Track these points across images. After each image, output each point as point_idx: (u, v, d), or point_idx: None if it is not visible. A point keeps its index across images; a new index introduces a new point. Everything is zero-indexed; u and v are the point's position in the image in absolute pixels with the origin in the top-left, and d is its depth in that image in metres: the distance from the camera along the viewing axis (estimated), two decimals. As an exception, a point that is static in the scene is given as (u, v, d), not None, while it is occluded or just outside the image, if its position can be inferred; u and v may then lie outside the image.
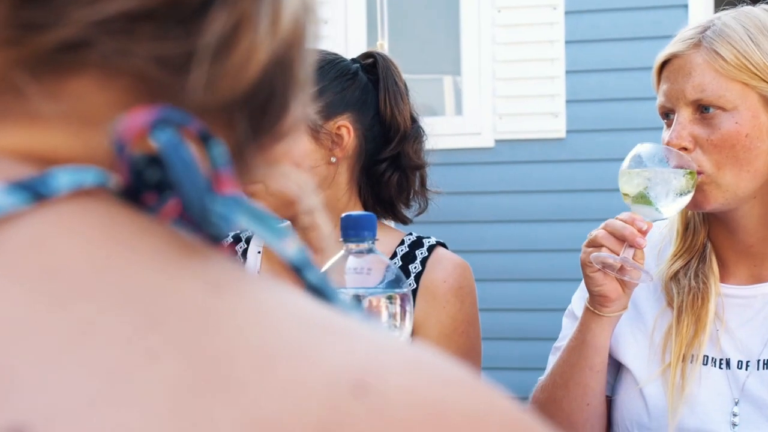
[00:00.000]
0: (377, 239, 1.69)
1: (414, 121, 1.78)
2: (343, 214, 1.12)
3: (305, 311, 0.38)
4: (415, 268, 1.68)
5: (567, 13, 5.02)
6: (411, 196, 1.79)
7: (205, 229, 0.40)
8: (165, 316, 0.35)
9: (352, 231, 1.08)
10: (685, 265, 1.59)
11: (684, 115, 1.50)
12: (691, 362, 1.52)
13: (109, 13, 0.40)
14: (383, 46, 3.75)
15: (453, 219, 5.12)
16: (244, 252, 1.80)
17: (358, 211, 1.16)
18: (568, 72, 5.00)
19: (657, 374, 1.54)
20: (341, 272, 1.08)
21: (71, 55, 0.40)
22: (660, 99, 1.55)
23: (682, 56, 1.51)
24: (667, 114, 1.55)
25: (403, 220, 1.82)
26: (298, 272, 0.42)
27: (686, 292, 1.56)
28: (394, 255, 1.70)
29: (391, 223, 1.87)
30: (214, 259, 0.40)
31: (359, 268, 1.06)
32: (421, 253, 1.70)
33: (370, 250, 1.09)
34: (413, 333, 1.64)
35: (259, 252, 1.79)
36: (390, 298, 1.05)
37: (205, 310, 0.36)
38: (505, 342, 4.82)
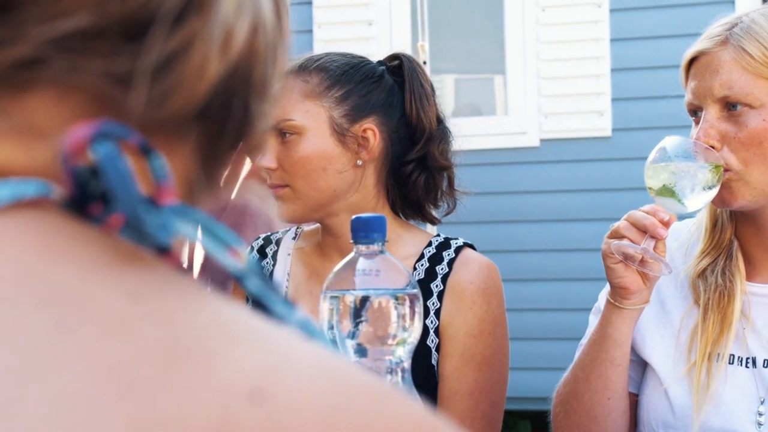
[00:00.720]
0: (402, 240, 1.73)
1: (440, 122, 1.79)
2: (354, 216, 1.13)
3: (221, 320, 0.39)
4: (442, 269, 1.69)
5: (612, 10, 4.99)
6: (439, 197, 1.80)
7: (142, 239, 0.41)
8: (78, 323, 0.37)
9: (362, 233, 1.10)
10: (712, 262, 1.58)
11: (711, 113, 1.49)
12: (716, 361, 1.52)
13: (63, 31, 0.41)
14: (424, 48, 3.76)
15: (498, 219, 5.11)
16: (274, 254, 1.82)
17: (368, 214, 1.17)
18: (613, 70, 4.97)
19: (682, 373, 1.54)
20: (351, 274, 1.09)
21: (26, 72, 0.42)
22: (688, 96, 1.55)
23: (710, 53, 1.50)
24: (695, 111, 1.55)
25: (432, 221, 1.83)
26: (239, 282, 0.43)
27: (712, 290, 1.55)
28: (422, 256, 1.71)
29: (427, 227, 1.88)
30: (146, 268, 0.41)
31: (368, 269, 1.08)
32: (448, 255, 1.71)
33: (380, 252, 1.10)
34: (440, 333, 1.66)
35: (288, 254, 1.81)
36: (398, 299, 1.06)
37: (118, 317, 0.37)
38: (558, 342, 4.79)
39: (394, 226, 1.75)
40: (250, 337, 0.38)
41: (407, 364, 1.08)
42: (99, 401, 0.34)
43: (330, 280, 1.10)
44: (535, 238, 5.02)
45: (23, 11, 0.42)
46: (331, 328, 1.06)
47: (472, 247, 1.76)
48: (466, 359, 1.65)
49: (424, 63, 3.76)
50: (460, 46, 5.62)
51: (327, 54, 1.77)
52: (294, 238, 1.84)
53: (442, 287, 1.67)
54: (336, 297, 1.06)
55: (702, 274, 1.58)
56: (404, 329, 1.05)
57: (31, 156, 0.43)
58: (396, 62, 1.79)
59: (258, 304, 0.45)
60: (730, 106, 1.48)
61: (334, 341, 1.07)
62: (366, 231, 1.09)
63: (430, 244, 1.74)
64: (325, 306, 1.07)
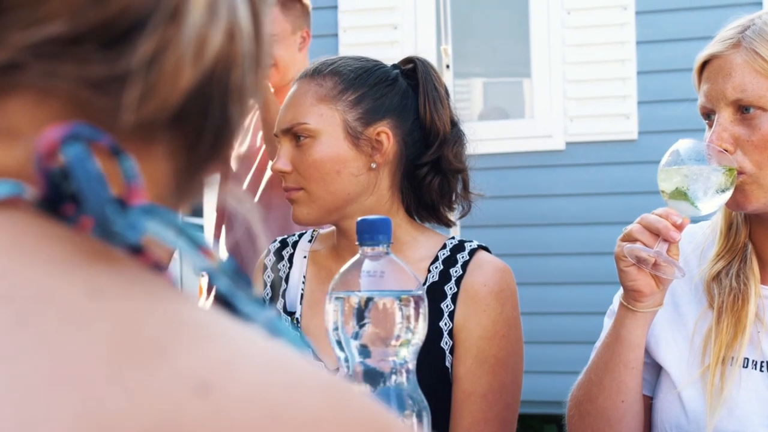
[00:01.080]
0: (418, 243, 1.74)
1: (454, 124, 1.79)
2: (359, 218, 1.14)
3: (178, 317, 0.40)
4: (456, 271, 1.70)
5: (638, 13, 4.97)
6: (454, 200, 1.80)
7: (112, 238, 0.42)
8: (35, 317, 0.38)
9: (367, 235, 1.11)
10: (726, 265, 1.57)
11: (724, 116, 1.49)
12: (730, 364, 1.51)
13: (41, 37, 0.43)
14: (447, 51, 3.77)
15: (524, 222, 5.10)
16: (291, 257, 1.83)
17: (373, 216, 1.17)
18: (639, 73, 4.95)
19: (696, 376, 1.53)
20: (357, 275, 1.10)
21: (5, 77, 0.43)
22: (701, 100, 1.54)
23: (722, 56, 1.50)
24: (708, 115, 1.54)
25: (447, 223, 1.84)
26: (210, 281, 0.44)
27: (727, 293, 1.54)
28: (436, 259, 1.72)
29: (450, 231, 1.88)
30: (112, 266, 0.42)
31: (372, 271, 1.08)
32: (463, 257, 1.71)
33: (386, 254, 1.11)
34: (454, 336, 1.66)
35: (304, 257, 1.82)
36: (402, 300, 1.07)
37: (75, 313, 0.38)
38: (590, 346, 4.76)
39: (408, 229, 1.76)
40: (205, 333, 0.39)
41: (412, 365, 1.08)
42: (50, 394, 0.35)
43: (336, 281, 1.11)
44: (561, 242, 5.00)
45: (4, 18, 0.43)
46: (336, 329, 1.07)
47: (486, 249, 1.76)
48: (480, 361, 1.65)
49: (447, 66, 3.76)
50: (486, 49, 5.62)
51: (341, 58, 1.78)
52: (310, 241, 1.85)
53: (456, 289, 1.68)
54: (341, 298, 1.07)
55: (716, 277, 1.57)
56: (408, 331, 1.06)
57: (9, 157, 0.44)
58: (410, 65, 1.80)
59: (228, 302, 0.45)
60: (743, 109, 1.47)
61: (339, 342, 1.08)
62: (371, 233, 1.10)
63: (444, 246, 1.74)
64: (330, 307, 1.08)
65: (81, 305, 0.39)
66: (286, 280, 1.81)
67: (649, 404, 1.62)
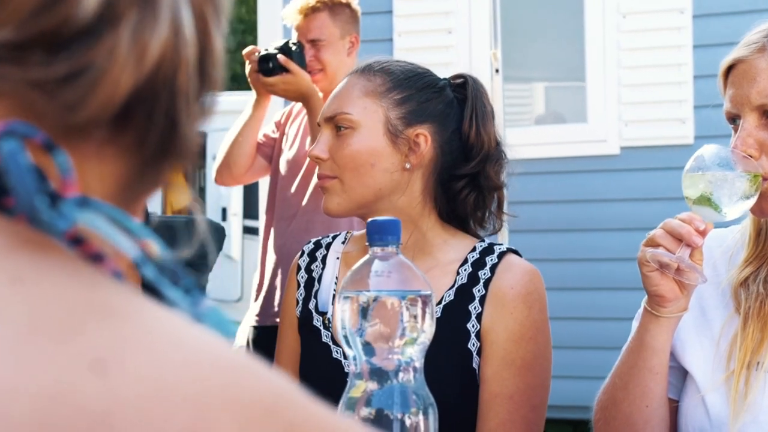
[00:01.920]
0: (447, 246, 1.75)
1: (498, 143, 1.82)
2: (370, 219, 1.16)
3: (91, 300, 0.43)
4: (484, 274, 1.71)
5: (695, 16, 4.91)
6: (486, 216, 1.82)
7: (42, 228, 0.45)
8: None
9: (376, 235, 1.13)
10: (755, 271, 1.56)
11: (749, 121, 1.48)
12: (755, 370, 1.50)
13: None
14: (496, 56, 3.77)
15: (578, 227, 5.07)
16: (324, 258, 1.86)
17: (384, 217, 1.20)
18: (696, 77, 4.89)
19: (720, 381, 1.52)
20: (366, 275, 1.12)
21: None
22: (726, 105, 1.54)
23: (747, 61, 1.49)
24: (733, 119, 1.54)
25: (475, 236, 1.85)
26: (138, 269, 0.47)
27: (754, 299, 1.53)
28: (465, 261, 1.74)
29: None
30: (40, 254, 0.45)
31: (380, 271, 1.11)
32: (491, 260, 1.73)
33: (395, 254, 1.13)
34: (482, 338, 1.67)
35: (337, 258, 1.85)
36: (407, 300, 1.08)
37: None
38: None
39: (439, 232, 1.78)
40: (112, 316, 0.42)
41: (419, 364, 1.10)
42: None
43: (346, 280, 1.13)
44: (616, 247, 4.96)
45: None
46: (344, 327, 1.10)
47: (516, 252, 1.77)
48: (507, 363, 1.66)
49: (497, 71, 3.77)
50: (541, 53, 5.60)
51: (394, 59, 1.83)
52: (343, 243, 1.88)
53: (484, 292, 1.69)
54: (348, 297, 1.10)
55: (744, 283, 1.56)
56: (412, 330, 1.08)
57: None
58: (460, 80, 1.83)
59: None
60: (767, 114, 1.47)
61: (347, 339, 1.10)
62: (381, 233, 1.13)
63: (474, 249, 1.76)
64: (338, 306, 1.10)
65: (1, 291, 0.42)
66: (319, 281, 1.84)
67: (675, 408, 1.61)
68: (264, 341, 3.07)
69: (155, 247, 0.47)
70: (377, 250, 1.13)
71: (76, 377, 0.38)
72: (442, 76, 1.85)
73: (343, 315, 1.09)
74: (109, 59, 0.47)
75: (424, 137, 1.74)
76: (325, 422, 0.43)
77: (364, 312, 1.08)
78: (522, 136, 5.10)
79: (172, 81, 0.50)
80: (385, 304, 1.08)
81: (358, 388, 1.07)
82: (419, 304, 1.09)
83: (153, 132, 0.50)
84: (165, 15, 0.48)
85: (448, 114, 1.78)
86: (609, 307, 4.90)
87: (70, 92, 0.46)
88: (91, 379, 0.38)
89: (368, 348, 1.07)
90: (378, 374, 1.08)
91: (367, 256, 1.15)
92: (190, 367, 0.40)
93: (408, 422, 1.06)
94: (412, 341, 1.08)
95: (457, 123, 1.79)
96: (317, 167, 1.79)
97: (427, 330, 1.09)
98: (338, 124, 1.75)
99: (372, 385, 1.08)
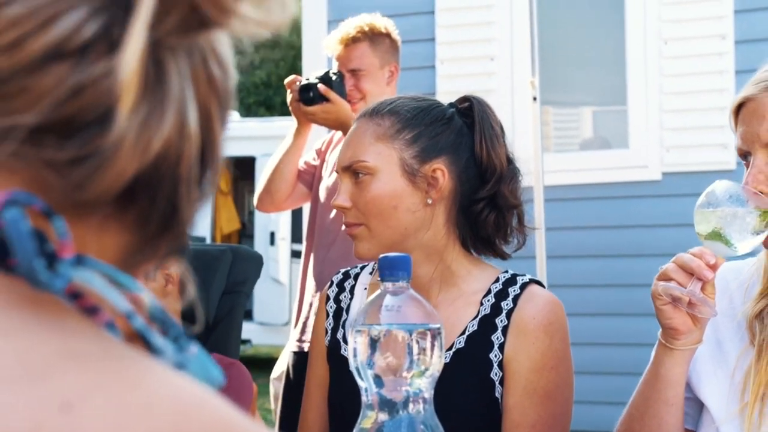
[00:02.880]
0: (472, 277, 1.80)
1: (510, 161, 1.85)
2: (381, 255, 1.21)
3: (72, 349, 0.49)
4: (507, 305, 1.75)
5: (737, 42, 4.91)
6: (509, 233, 1.85)
7: (40, 286, 0.51)
8: None
9: (387, 271, 1.18)
10: (769, 304, 1.59)
11: (760, 158, 1.51)
12: (769, 402, 1.52)
13: (17, 124, 0.52)
14: (534, 84, 3.81)
15: (620, 253, 5.07)
16: (352, 288, 1.91)
17: (394, 253, 1.25)
18: (738, 103, 4.88)
19: (735, 413, 1.54)
20: (377, 310, 1.17)
21: None
22: (737, 142, 1.57)
23: (755, 99, 1.52)
24: (744, 156, 1.57)
25: (502, 256, 1.89)
26: (128, 320, 0.53)
27: (768, 332, 1.55)
28: (488, 292, 1.78)
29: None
30: (31, 310, 0.51)
31: (390, 305, 1.16)
32: (514, 291, 1.76)
33: (406, 289, 1.18)
34: (504, 367, 1.71)
35: (365, 288, 1.90)
36: (415, 333, 1.13)
37: None
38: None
39: (463, 263, 1.82)
40: (86, 363, 0.48)
41: (428, 395, 1.15)
42: None
43: (359, 314, 1.18)
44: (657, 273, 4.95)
45: None
46: (356, 359, 1.15)
47: (539, 283, 1.81)
48: (529, 393, 1.70)
49: (534, 99, 3.81)
50: (582, 79, 5.62)
51: (399, 98, 1.86)
52: (371, 273, 1.93)
53: (506, 322, 1.73)
54: (360, 330, 1.15)
55: (759, 315, 1.59)
56: (421, 362, 1.12)
57: None
58: (466, 104, 1.86)
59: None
60: None
61: (359, 371, 1.15)
62: (391, 269, 1.18)
63: (497, 280, 1.79)
64: (350, 339, 1.15)
65: None
66: (347, 311, 1.89)
67: (692, 439, 1.64)
68: (302, 366, 3.12)
69: (146, 299, 0.53)
70: (388, 285, 1.18)
71: (44, 417, 0.45)
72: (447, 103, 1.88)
73: (355, 347, 1.15)
74: (116, 147, 0.53)
75: (441, 171, 1.78)
76: None
77: (374, 345, 1.13)
78: (565, 161, 5.12)
79: (174, 170, 0.56)
80: (395, 337, 1.13)
81: (369, 418, 1.12)
82: (428, 338, 1.14)
83: (154, 213, 0.57)
84: (171, 111, 0.54)
85: (460, 143, 1.81)
86: (653, 333, 4.88)
87: (79, 173, 0.53)
88: (58, 418, 0.45)
89: (378, 380, 1.12)
90: (388, 405, 1.13)
91: (378, 291, 1.20)
92: (145, 412, 0.46)
93: (416, 452, 1.11)
94: (421, 373, 1.12)
95: (470, 149, 1.82)
96: (343, 216, 1.83)
97: (435, 362, 1.14)
98: (356, 171, 1.79)
99: (382, 416, 1.12)
